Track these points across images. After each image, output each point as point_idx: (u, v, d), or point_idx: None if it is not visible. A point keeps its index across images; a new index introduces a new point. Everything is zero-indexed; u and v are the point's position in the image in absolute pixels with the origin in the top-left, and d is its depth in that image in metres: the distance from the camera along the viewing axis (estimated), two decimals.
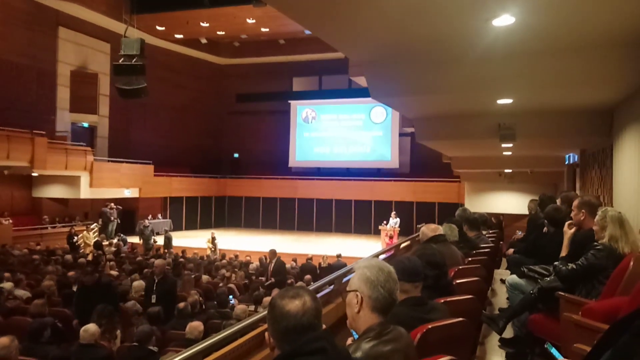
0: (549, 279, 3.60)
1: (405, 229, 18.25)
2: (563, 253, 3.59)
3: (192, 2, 19.25)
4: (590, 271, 3.18)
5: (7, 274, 8.25)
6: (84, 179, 18.09)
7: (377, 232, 19.78)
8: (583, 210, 3.59)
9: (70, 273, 8.70)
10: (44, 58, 18.82)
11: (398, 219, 18.73)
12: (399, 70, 5.38)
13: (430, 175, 21.89)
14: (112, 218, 19.61)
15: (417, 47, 4.73)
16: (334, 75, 24.79)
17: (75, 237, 16.52)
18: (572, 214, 3.67)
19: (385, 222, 18.95)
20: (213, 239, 17.35)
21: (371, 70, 5.62)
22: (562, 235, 3.68)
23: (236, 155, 27.40)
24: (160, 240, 18.75)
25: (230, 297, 8.10)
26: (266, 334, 1.56)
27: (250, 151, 26.96)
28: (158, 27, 22.14)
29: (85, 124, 20.98)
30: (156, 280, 7.13)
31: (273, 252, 11.00)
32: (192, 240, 19.68)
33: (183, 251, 15.60)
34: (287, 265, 13.79)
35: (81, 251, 15.38)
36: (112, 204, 19.77)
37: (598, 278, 3.16)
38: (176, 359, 2.32)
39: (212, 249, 16.96)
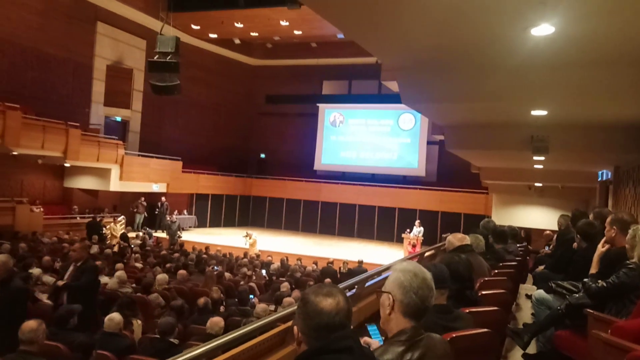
0: (577, 295, 3.52)
1: (429, 239, 18.05)
2: (592, 270, 3.53)
3: (227, 2, 19.48)
4: (622, 290, 3.10)
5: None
6: (115, 171, 18.43)
7: (400, 240, 19.61)
8: (614, 227, 3.51)
9: (97, 262, 8.86)
10: (82, 52, 19.27)
11: (422, 228, 18.51)
12: (434, 76, 5.32)
13: (457, 186, 21.61)
14: (141, 211, 20.06)
15: (455, 52, 4.67)
16: (363, 80, 24.76)
17: (104, 228, 16.86)
18: (605, 231, 3.59)
19: (408, 230, 18.78)
20: (249, 235, 17.48)
21: (405, 75, 5.57)
22: (594, 252, 3.61)
23: (263, 155, 27.61)
24: (185, 236, 19.00)
25: (251, 295, 8.15)
26: (295, 328, 1.56)
27: (276, 152, 27.14)
28: (193, 26, 22.50)
29: (118, 118, 21.41)
30: None
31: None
32: (215, 238, 19.89)
33: (206, 247, 15.76)
34: (308, 268, 13.78)
35: (107, 242, 15.70)
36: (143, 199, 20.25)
37: (629, 297, 3.08)
38: (195, 352, 2.34)
39: (252, 244, 17.16)
